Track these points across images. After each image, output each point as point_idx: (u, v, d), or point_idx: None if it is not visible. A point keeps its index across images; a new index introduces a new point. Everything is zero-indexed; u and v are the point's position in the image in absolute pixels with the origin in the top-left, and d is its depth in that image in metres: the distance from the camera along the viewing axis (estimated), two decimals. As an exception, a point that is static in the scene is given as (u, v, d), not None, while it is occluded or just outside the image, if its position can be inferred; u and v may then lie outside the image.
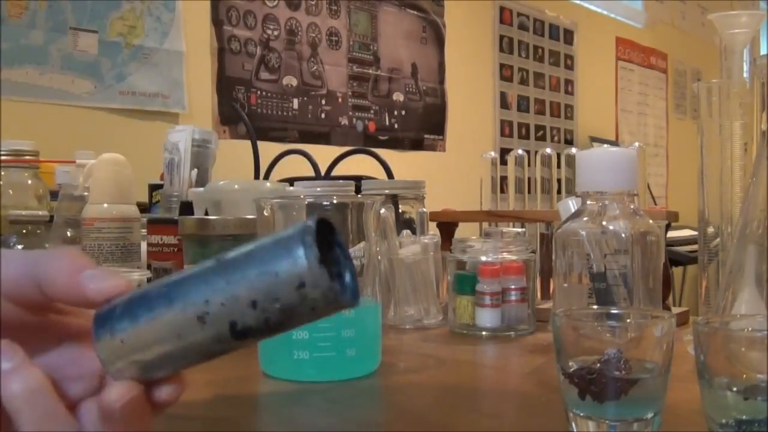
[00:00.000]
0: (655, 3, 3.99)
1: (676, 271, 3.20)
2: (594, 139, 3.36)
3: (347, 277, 0.31)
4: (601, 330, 0.42)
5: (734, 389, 0.36)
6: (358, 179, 0.97)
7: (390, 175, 1.18)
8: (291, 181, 1.01)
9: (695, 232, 0.69)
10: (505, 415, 0.52)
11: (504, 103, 3.07)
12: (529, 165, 0.99)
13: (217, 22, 2.07)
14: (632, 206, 0.57)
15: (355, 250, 0.59)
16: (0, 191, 0.98)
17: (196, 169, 0.91)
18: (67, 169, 0.99)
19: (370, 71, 2.52)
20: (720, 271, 0.63)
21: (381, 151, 1.30)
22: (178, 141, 0.91)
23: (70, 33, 1.74)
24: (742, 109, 0.62)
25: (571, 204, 0.64)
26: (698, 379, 0.38)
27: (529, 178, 0.99)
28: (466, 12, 2.88)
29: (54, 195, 1.00)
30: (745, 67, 0.63)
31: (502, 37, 3.06)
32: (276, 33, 2.23)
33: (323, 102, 2.36)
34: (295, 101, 2.28)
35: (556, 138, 3.34)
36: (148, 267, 0.83)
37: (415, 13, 2.67)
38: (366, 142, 2.45)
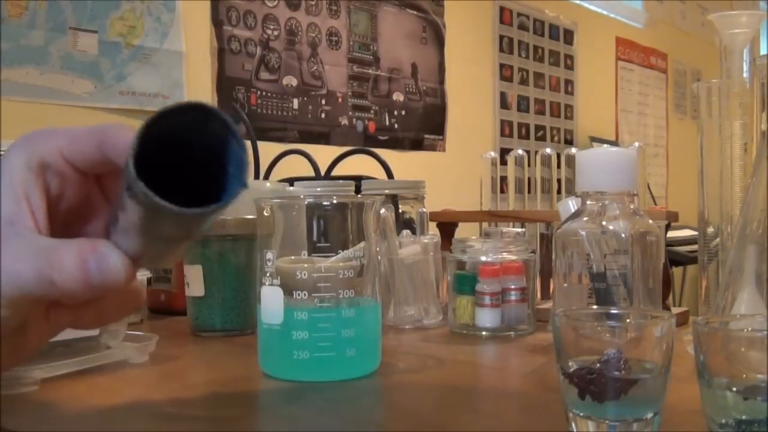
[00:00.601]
0: (655, 3, 3.98)
1: (676, 271, 3.20)
2: (594, 139, 3.36)
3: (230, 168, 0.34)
4: (601, 330, 0.42)
5: (734, 389, 0.36)
6: (358, 179, 0.97)
7: (390, 175, 1.18)
8: (291, 181, 1.02)
9: (695, 232, 0.69)
10: (505, 415, 0.51)
11: (504, 103, 3.07)
12: (529, 165, 0.99)
13: (217, 22, 2.07)
14: (632, 206, 0.57)
15: (355, 250, 0.59)
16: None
17: (196, 169, 0.91)
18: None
19: (370, 71, 2.52)
20: (720, 271, 0.63)
21: (381, 151, 1.30)
22: (178, 141, 0.91)
23: (70, 33, 1.74)
24: (742, 109, 0.62)
25: (571, 204, 0.64)
26: (698, 379, 0.38)
27: (529, 178, 0.99)
28: (466, 12, 2.88)
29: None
30: (745, 67, 0.63)
31: (502, 37, 3.06)
32: (276, 33, 2.23)
33: (323, 102, 2.36)
34: (295, 101, 2.28)
35: (556, 138, 3.34)
36: (148, 267, 0.83)
37: (415, 13, 2.67)
38: (366, 142, 2.45)
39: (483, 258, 0.77)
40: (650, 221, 0.58)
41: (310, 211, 0.59)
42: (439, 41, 2.76)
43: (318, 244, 0.59)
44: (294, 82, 2.27)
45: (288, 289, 0.57)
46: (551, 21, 3.31)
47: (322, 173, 1.20)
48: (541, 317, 0.78)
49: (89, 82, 1.78)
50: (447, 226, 0.99)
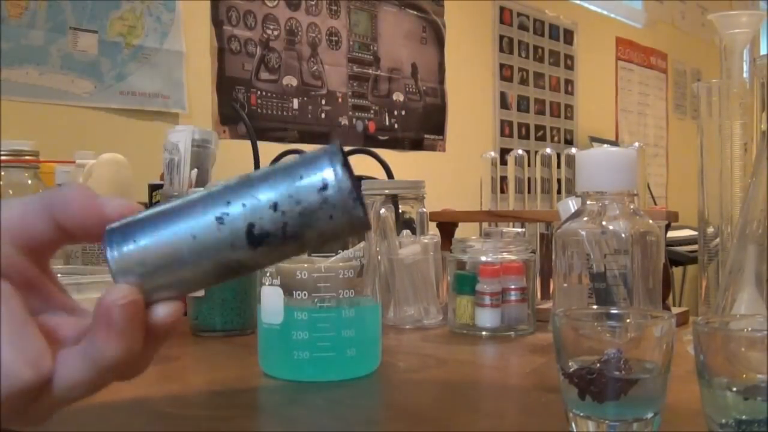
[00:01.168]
0: (655, 3, 3.98)
1: (676, 271, 3.20)
2: (594, 139, 3.36)
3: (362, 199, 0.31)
4: (601, 330, 0.42)
5: (734, 389, 0.36)
6: (358, 179, 0.97)
7: (390, 175, 1.18)
8: (291, 181, 1.01)
9: (695, 232, 0.69)
10: (505, 415, 0.52)
11: (504, 103, 3.07)
12: (529, 165, 0.99)
13: (217, 22, 2.07)
14: (632, 206, 0.57)
15: (355, 250, 0.59)
16: (0, 191, 0.98)
17: (196, 169, 0.91)
18: (67, 169, 0.99)
19: (370, 71, 2.52)
20: (720, 271, 0.63)
21: (381, 151, 1.30)
22: (178, 141, 0.91)
23: (70, 33, 1.74)
24: (742, 109, 0.62)
25: (571, 204, 0.64)
26: (698, 379, 0.38)
27: (529, 178, 0.99)
28: (466, 12, 2.88)
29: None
30: (745, 67, 0.63)
31: (502, 37, 3.06)
32: (276, 33, 2.23)
33: (323, 102, 2.36)
34: (295, 101, 2.28)
35: (556, 138, 3.34)
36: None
37: (415, 13, 2.67)
38: (366, 142, 2.45)
39: (483, 258, 0.77)
40: (650, 221, 0.58)
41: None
42: (439, 41, 2.76)
43: (318, 244, 0.59)
44: (294, 82, 2.27)
45: (288, 289, 0.58)
46: (551, 21, 3.31)
47: (322, 173, 1.19)
48: (541, 317, 0.78)
49: (89, 82, 1.78)
50: (447, 226, 0.99)
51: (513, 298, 0.77)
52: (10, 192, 1.00)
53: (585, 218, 0.58)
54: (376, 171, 1.18)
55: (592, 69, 3.54)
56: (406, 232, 0.86)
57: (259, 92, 2.17)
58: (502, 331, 0.76)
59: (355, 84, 2.46)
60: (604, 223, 0.57)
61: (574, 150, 0.93)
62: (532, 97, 3.21)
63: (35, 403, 0.31)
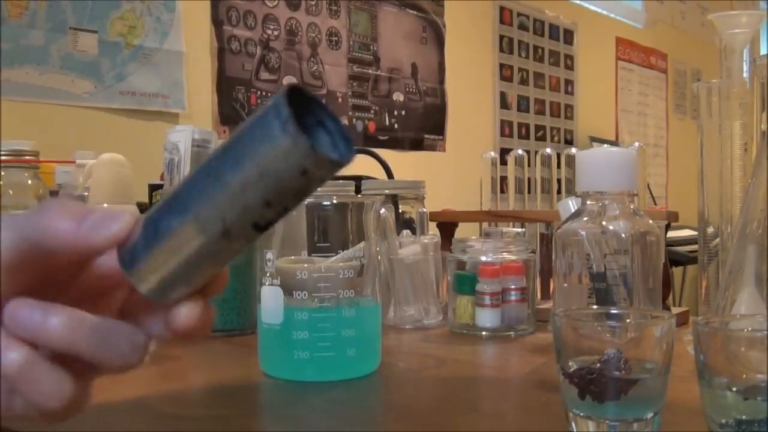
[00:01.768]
0: (655, 3, 3.98)
1: (676, 271, 3.20)
2: (594, 139, 3.36)
3: (336, 134, 0.31)
4: (601, 330, 0.42)
5: (734, 389, 0.36)
6: (358, 179, 0.97)
7: (390, 175, 1.18)
8: (291, 181, 1.01)
9: (695, 232, 0.69)
10: (505, 415, 0.52)
11: (504, 103, 3.07)
12: (529, 165, 0.99)
13: (217, 22, 2.07)
14: (632, 206, 0.57)
15: (355, 250, 0.59)
16: (0, 191, 0.98)
17: (196, 169, 0.91)
18: (67, 169, 0.99)
19: (370, 71, 2.52)
20: (720, 271, 0.63)
21: (381, 151, 1.30)
22: (178, 141, 0.91)
23: (70, 33, 1.74)
24: (742, 109, 0.62)
25: (571, 204, 0.64)
26: (698, 379, 0.38)
27: (529, 178, 0.99)
28: (466, 12, 2.88)
29: (54, 195, 1.00)
30: (745, 67, 0.63)
31: (502, 37, 3.06)
32: (276, 33, 2.23)
33: (323, 102, 2.36)
34: (295, 101, 2.28)
35: (556, 138, 3.34)
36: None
37: (415, 13, 2.67)
38: (366, 142, 2.45)
39: (483, 258, 0.77)
40: (650, 221, 0.58)
41: (310, 211, 0.59)
42: (439, 41, 2.76)
43: (318, 244, 0.59)
44: (294, 81, 2.27)
45: (288, 289, 0.57)
46: (551, 21, 3.31)
47: (322, 173, 1.19)
48: (541, 317, 0.78)
49: (89, 82, 1.78)
50: (447, 226, 0.99)
51: (513, 298, 0.77)
52: (10, 192, 1.00)
53: (585, 218, 0.58)
54: (376, 171, 1.18)
55: (592, 69, 3.54)
56: (406, 232, 0.86)
57: (259, 92, 2.17)
58: (502, 331, 0.76)
59: (355, 84, 2.46)
60: (604, 223, 0.57)
61: (574, 150, 0.93)
62: (532, 97, 3.21)
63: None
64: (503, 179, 1.00)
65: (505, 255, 0.78)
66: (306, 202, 0.60)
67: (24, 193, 1.01)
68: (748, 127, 0.62)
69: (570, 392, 0.40)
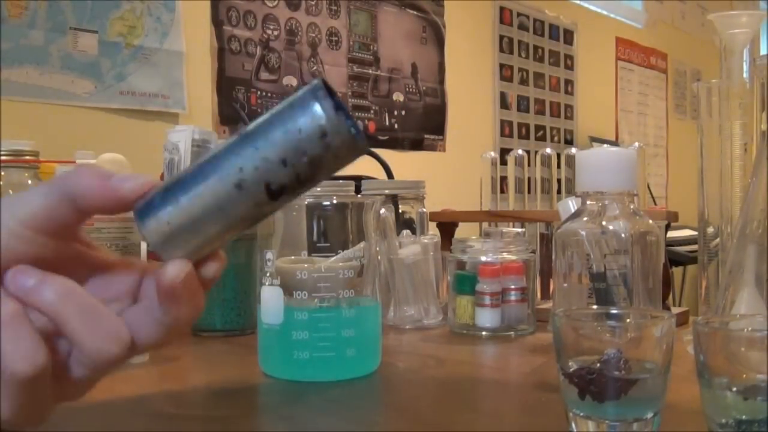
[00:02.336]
0: (655, 3, 3.98)
1: (676, 271, 3.20)
2: (594, 139, 3.36)
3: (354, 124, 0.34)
4: (601, 330, 0.42)
5: (734, 389, 0.36)
6: (358, 179, 0.97)
7: (390, 175, 1.18)
8: (291, 181, 1.01)
9: (695, 232, 0.69)
10: (505, 415, 0.51)
11: (504, 103, 3.07)
12: (529, 165, 0.99)
13: (217, 22, 2.07)
14: (632, 206, 0.57)
15: (355, 250, 0.59)
16: (0, 191, 0.98)
17: (196, 169, 0.91)
18: (67, 169, 0.99)
19: (370, 71, 2.52)
20: (720, 271, 0.63)
21: (381, 151, 1.29)
22: (178, 141, 0.91)
23: (70, 33, 1.74)
24: (742, 109, 0.62)
25: (571, 204, 0.64)
26: (698, 379, 0.38)
27: (529, 178, 0.99)
28: (466, 12, 2.88)
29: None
30: (745, 67, 0.63)
31: (502, 37, 3.06)
32: (276, 33, 2.23)
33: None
34: (295, 101, 2.28)
35: (556, 138, 3.34)
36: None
37: (415, 13, 2.67)
38: (366, 143, 2.45)
39: (483, 258, 0.77)
40: (650, 221, 0.58)
41: (310, 211, 0.59)
42: (439, 41, 2.76)
43: (318, 244, 0.59)
44: (294, 82, 2.27)
45: (288, 289, 0.57)
46: (551, 21, 3.31)
47: (322, 173, 1.19)
48: (541, 317, 0.78)
49: (89, 82, 1.78)
50: (447, 226, 0.99)
51: (513, 298, 0.77)
52: (10, 192, 1.00)
53: (585, 218, 0.58)
54: (376, 171, 1.18)
55: (592, 69, 3.54)
56: (406, 232, 0.86)
57: (259, 92, 2.17)
58: (502, 331, 0.76)
59: (355, 84, 2.46)
60: (604, 223, 0.57)
61: (574, 150, 0.93)
62: (532, 97, 3.21)
63: (67, 383, 0.34)
64: (503, 179, 1.00)
65: (505, 255, 0.78)
66: (306, 202, 0.60)
67: (24, 193, 1.01)
68: (748, 127, 0.62)
69: (570, 392, 0.40)
